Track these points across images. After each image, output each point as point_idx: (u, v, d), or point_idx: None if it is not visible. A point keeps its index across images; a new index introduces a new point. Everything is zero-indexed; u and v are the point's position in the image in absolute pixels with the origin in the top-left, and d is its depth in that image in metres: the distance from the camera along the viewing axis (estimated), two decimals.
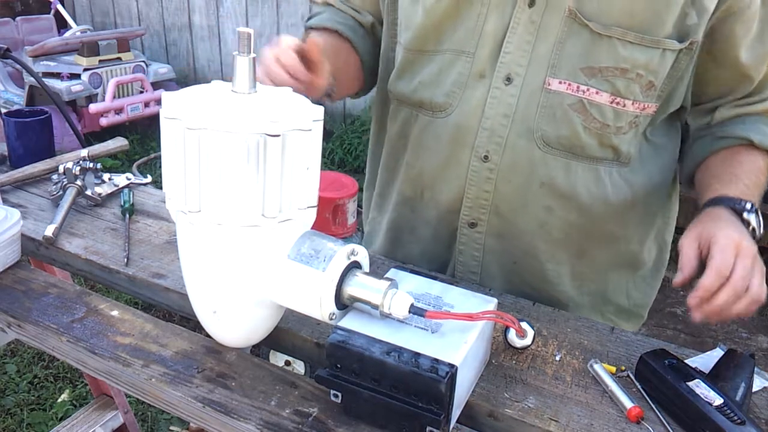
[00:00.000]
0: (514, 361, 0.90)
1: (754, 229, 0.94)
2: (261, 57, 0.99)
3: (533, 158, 1.03)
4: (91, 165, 1.30)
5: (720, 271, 0.84)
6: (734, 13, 0.98)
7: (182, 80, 5.35)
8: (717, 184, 1.01)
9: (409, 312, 0.78)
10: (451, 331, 0.79)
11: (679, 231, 1.23)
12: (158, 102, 4.48)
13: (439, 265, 1.18)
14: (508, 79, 1.02)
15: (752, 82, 1.05)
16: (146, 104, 4.71)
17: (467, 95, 1.05)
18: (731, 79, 1.05)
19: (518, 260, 1.12)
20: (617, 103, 1.00)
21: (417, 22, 1.08)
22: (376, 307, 0.78)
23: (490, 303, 0.85)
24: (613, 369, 0.88)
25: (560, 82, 0.99)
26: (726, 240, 0.88)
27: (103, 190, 1.29)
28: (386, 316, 0.79)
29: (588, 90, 0.99)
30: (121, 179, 1.33)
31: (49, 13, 5.32)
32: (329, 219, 2.36)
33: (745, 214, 0.94)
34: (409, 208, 1.20)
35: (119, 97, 4.60)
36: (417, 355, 0.74)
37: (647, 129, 1.08)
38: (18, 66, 2.67)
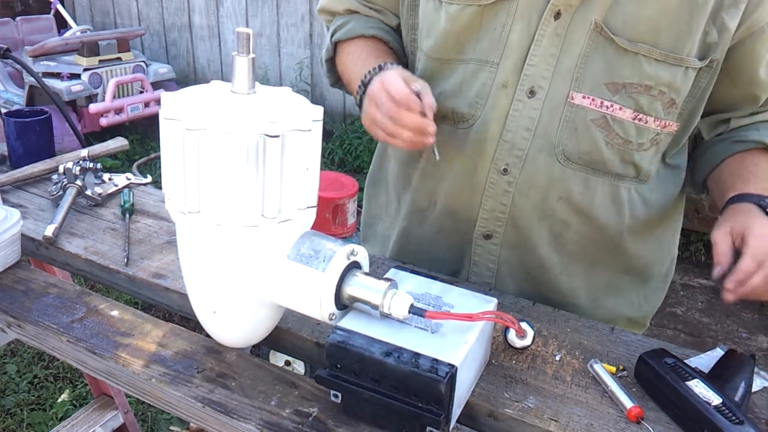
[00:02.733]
0: (514, 361, 0.90)
1: None
2: (376, 97, 0.96)
3: (553, 172, 1.03)
4: (91, 165, 1.30)
5: (756, 256, 0.88)
6: (754, 33, 0.97)
7: (182, 80, 5.35)
8: (739, 182, 1.01)
9: (409, 312, 0.78)
10: (451, 331, 0.79)
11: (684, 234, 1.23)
12: (158, 102, 4.45)
13: (450, 274, 1.17)
14: (532, 92, 1.00)
15: (758, 101, 1.05)
16: (146, 104, 4.71)
17: (490, 106, 1.03)
18: (741, 97, 1.05)
19: (532, 272, 1.12)
20: (640, 120, 1.00)
21: (440, 30, 1.05)
22: (375, 307, 0.78)
23: (490, 303, 0.85)
24: (613, 369, 0.88)
25: (584, 97, 0.99)
26: (761, 229, 0.90)
27: (103, 190, 1.29)
28: (386, 317, 0.79)
29: (612, 106, 0.98)
30: (121, 179, 1.33)
31: (49, 13, 5.32)
32: (329, 219, 2.37)
33: None
34: (419, 218, 1.19)
35: (119, 97, 4.60)
36: (417, 355, 0.74)
37: (668, 150, 1.08)
38: (18, 66, 2.67)
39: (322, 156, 0.84)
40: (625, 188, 1.06)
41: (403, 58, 1.17)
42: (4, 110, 1.46)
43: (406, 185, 1.19)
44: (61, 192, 1.24)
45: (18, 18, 5.11)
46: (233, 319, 0.86)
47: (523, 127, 1.01)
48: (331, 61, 1.23)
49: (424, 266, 1.16)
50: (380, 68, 1.03)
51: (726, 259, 0.90)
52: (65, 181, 1.25)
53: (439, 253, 1.18)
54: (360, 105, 1.05)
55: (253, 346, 0.99)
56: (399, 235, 1.23)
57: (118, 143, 1.52)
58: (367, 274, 0.81)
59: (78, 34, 4.77)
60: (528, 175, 1.03)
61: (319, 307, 0.78)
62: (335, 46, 1.20)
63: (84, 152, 1.37)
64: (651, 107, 0.99)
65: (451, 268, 1.17)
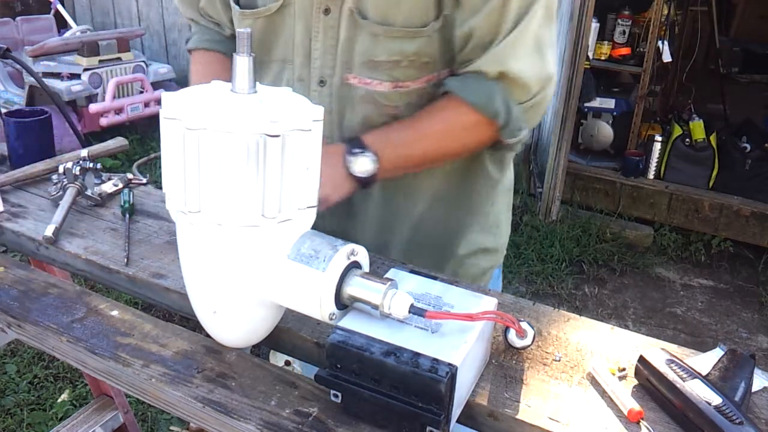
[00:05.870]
0: (514, 361, 0.90)
1: (350, 168, 1.06)
2: None
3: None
4: (91, 165, 1.30)
5: None
6: None
7: (182, 80, 5.35)
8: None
9: (409, 312, 0.78)
10: (451, 331, 0.79)
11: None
12: (158, 102, 4.48)
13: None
14: (322, 82, 1.12)
15: (468, 43, 1.08)
16: (146, 104, 4.70)
17: None
18: (458, 38, 1.08)
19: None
20: (400, 87, 1.10)
21: None
22: (376, 307, 0.78)
23: (490, 303, 0.85)
24: (613, 369, 0.88)
25: (353, 77, 1.10)
26: None
27: (103, 190, 1.29)
28: (386, 316, 0.79)
29: (371, 82, 1.10)
30: (121, 179, 1.33)
31: (49, 13, 5.32)
32: None
33: (347, 156, 1.05)
34: None
35: (119, 97, 4.60)
36: (417, 355, 0.74)
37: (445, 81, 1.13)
38: (18, 66, 2.67)
39: None
40: None
41: None
42: (4, 110, 1.46)
43: None
44: (61, 192, 1.24)
45: (18, 18, 5.10)
46: (233, 319, 0.86)
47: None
48: None
49: None
50: None
51: None
52: (65, 181, 1.25)
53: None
54: None
55: (253, 346, 0.99)
56: None
57: (118, 143, 1.52)
58: (367, 274, 0.81)
59: (78, 34, 4.77)
60: None
61: (319, 307, 0.78)
62: (190, 53, 1.35)
63: (84, 152, 1.37)
64: (407, 75, 1.09)
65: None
